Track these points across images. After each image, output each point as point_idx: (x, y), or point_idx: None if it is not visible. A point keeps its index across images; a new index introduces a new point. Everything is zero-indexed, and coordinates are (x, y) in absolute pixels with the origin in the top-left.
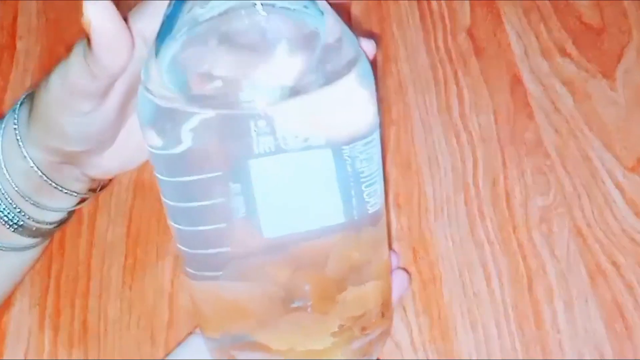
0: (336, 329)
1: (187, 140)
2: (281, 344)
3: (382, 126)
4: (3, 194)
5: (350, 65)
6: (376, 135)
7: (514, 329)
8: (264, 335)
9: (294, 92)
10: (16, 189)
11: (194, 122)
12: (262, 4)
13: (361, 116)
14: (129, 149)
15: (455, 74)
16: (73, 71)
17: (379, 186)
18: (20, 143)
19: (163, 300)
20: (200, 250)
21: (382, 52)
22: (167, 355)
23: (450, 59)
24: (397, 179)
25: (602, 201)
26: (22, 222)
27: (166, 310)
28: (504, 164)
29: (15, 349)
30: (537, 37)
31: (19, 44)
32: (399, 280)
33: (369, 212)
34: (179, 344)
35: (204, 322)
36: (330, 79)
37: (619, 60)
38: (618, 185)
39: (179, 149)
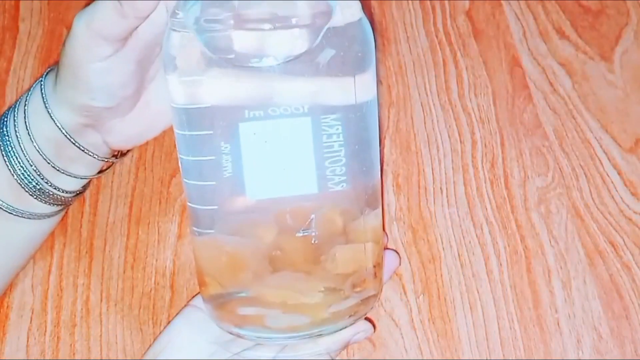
0: (322, 289)
1: (199, 96)
2: (274, 298)
3: (382, 107)
4: (27, 159)
5: (356, 49)
6: (372, 105)
7: (513, 309)
8: (258, 289)
9: (298, 63)
10: (40, 152)
11: (204, 79)
12: None
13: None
14: (148, 117)
15: (455, 55)
16: (101, 12)
17: (369, 160)
18: (47, 104)
19: (165, 279)
20: (197, 205)
21: (382, 34)
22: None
23: (450, 41)
24: (396, 160)
25: (600, 182)
26: (42, 188)
27: (167, 290)
28: (502, 144)
29: (18, 328)
30: (535, 19)
31: (21, 26)
32: (389, 260)
33: (358, 181)
34: (176, 315)
35: (207, 278)
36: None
37: (617, 42)
38: (616, 166)
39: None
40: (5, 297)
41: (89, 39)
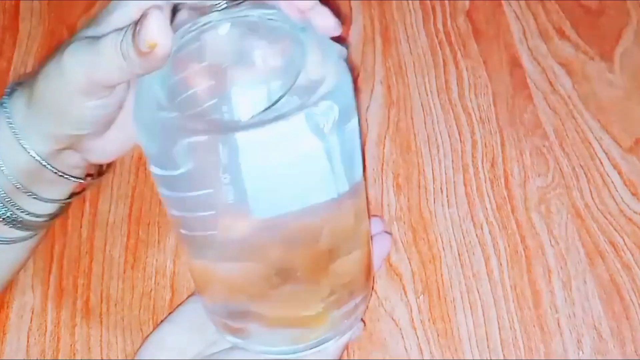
0: (326, 295)
1: (180, 161)
2: (274, 313)
3: (382, 107)
4: None
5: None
6: (354, 121)
7: (513, 309)
8: (258, 306)
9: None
10: (14, 182)
11: (181, 142)
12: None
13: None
14: (127, 128)
15: (455, 55)
16: (107, 68)
17: (359, 159)
18: (18, 135)
19: (165, 280)
20: (195, 232)
21: (382, 34)
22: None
23: (450, 41)
24: (396, 160)
25: (600, 182)
26: (16, 217)
27: (168, 290)
28: (502, 144)
29: (18, 329)
30: (535, 19)
31: (22, 26)
32: (383, 243)
33: (355, 184)
34: (179, 304)
35: (201, 292)
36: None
37: (617, 42)
38: (616, 166)
39: (173, 170)
40: (5, 297)
41: (88, 86)
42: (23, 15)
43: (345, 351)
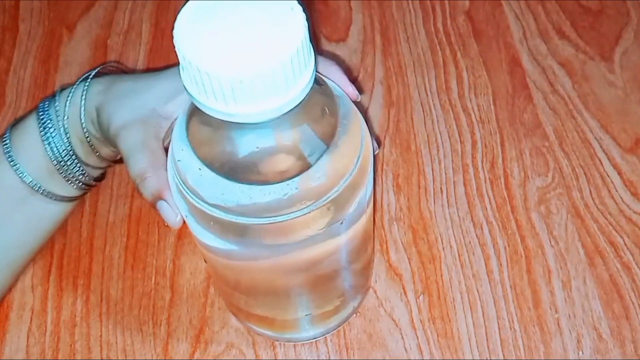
0: (343, 292)
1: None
2: (296, 315)
3: (382, 107)
4: (68, 141)
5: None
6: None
7: (513, 309)
8: (277, 313)
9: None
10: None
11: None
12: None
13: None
14: None
15: (455, 55)
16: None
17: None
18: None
19: (165, 280)
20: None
21: (382, 34)
22: None
23: (450, 41)
24: (396, 160)
25: (600, 182)
26: (75, 171)
27: (168, 290)
28: (502, 144)
29: (18, 328)
30: (535, 19)
31: (21, 26)
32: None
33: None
34: None
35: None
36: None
37: (617, 42)
38: (616, 167)
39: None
40: (5, 296)
41: None
42: (23, 15)
43: (345, 351)
